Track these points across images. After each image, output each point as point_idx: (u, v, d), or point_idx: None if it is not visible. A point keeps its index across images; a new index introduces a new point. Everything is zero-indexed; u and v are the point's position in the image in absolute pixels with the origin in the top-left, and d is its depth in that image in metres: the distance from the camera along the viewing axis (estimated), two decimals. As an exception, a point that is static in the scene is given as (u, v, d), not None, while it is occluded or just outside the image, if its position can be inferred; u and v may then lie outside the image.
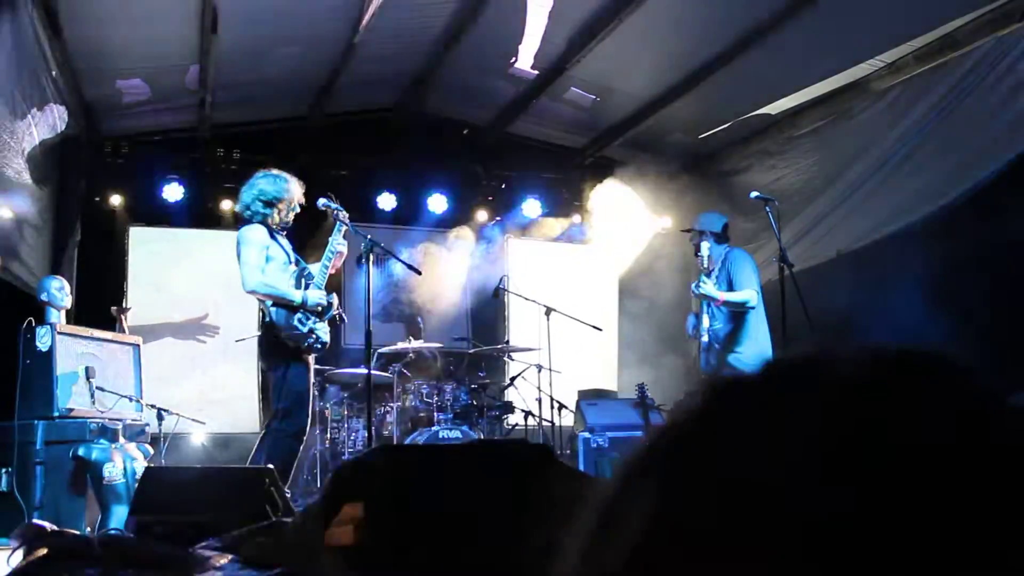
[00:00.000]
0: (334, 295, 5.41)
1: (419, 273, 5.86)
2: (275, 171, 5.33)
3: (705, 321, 6.02)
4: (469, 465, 2.04)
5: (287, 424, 4.99)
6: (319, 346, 5.21)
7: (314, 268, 5.36)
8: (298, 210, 5.33)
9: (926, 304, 6.15)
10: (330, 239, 5.40)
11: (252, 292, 5.00)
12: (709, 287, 5.85)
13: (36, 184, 6.68)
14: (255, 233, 5.11)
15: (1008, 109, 6.04)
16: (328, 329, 5.30)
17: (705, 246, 6.00)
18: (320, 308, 5.20)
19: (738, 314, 5.93)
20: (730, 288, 5.91)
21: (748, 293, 5.89)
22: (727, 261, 6.00)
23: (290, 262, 5.24)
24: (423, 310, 8.90)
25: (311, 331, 5.08)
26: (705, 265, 6.00)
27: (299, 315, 5.06)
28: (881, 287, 6.80)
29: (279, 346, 5.04)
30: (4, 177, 5.98)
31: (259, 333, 5.20)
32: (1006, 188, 5.95)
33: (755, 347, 5.88)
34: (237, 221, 5.41)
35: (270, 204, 5.18)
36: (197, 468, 5.38)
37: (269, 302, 5.06)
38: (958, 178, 6.36)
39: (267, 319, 5.10)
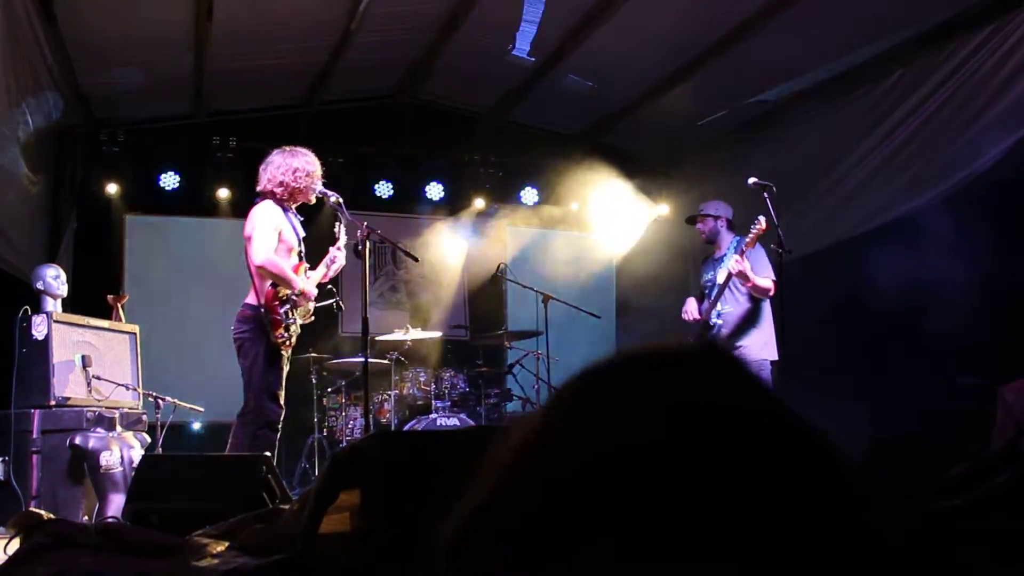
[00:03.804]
0: (331, 287, 5.36)
1: (417, 260, 5.81)
2: (289, 148, 5.21)
3: (717, 305, 5.97)
4: (467, 452, 2.03)
5: (258, 416, 4.89)
6: (291, 342, 5.11)
7: (314, 273, 5.25)
8: (320, 185, 5.20)
9: (925, 290, 6.15)
10: (333, 248, 5.30)
11: (261, 266, 4.87)
12: (746, 267, 5.75)
13: (32, 172, 6.65)
14: (269, 209, 4.99)
15: (1007, 95, 6.02)
16: (299, 331, 5.18)
17: (755, 227, 5.80)
18: (308, 302, 5.11)
19: (754, 299, 5.89)
20: None
21: (769, 281, 5.84)
22: (743, 249, 5.91)
23: (296, 248, 5.13)
24: (421, 298, 8.90)
25: (288, 325, 4.99)
26: (724, 250, 5.83)
27: (287, 306, 4.99)
28: (880, 274, 6.80)
29: (255, 337, 4.93)
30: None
31: (237, 321, 5.01)
32: (1006, 174, 5.94)
33: (763, 335, 5.85)
34: (251, 203, 5.18)
35: (291, 181, 5.06)
36: (194, 456, 5.38)
37: (268, 282, 4.95)
38: (957, 164, 6.34)
39: (255, 304, 4.95)
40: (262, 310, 4.90)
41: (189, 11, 6.43)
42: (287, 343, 5.01)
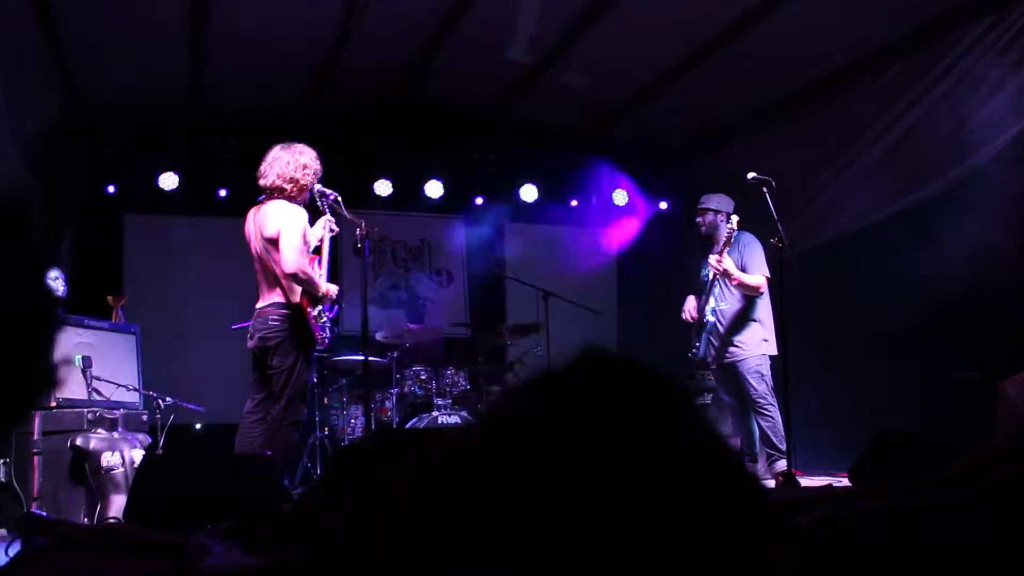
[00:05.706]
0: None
1: (417, 259, 5.81)
2: (290, 143, 5.13)
3: (711, 302, 5.97)
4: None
5: (287, 414, 4.90)
6: (327, 341, 5.14)
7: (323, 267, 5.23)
8: (318, 177, 5.14)
9: (925, 284, 6.14)
10: (326, 219, 5.26)
11: (293, 274, 4.82)
12: (729, 263, 5.75)
13: (31, 174, 6.65)
14: (297, 212, 4.91)
15: (1009, 86, 6.01)
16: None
17: (726, 225, 5.83)
18: (332, 302, 5.14)
19: (748, 296, 5.89)
20: (742, 271, 5.84)
21: (760, 278, 5.84)
22: (739, 244, 5.91)
23: (313, 244, 5.09)
24: (421, 296, 8.90)
25: (324, 326, 5.03)
26: (721, 245, 5.84)
27: (320, 308, 4.99)
28: (880, 269, 6.80)
29: (294, 336, 4.90)
30: (-2, 167, 5.96)
31: (272, 319, 4.96)
32: (1005, 167, 5.93)
33: (761, 331, 5.85)
34: (267, 198, 5.04)
35: (301, 177, 4.99)
36: (196, 456, 5.38)
37: (300, 289, 4.92)
38: (958, 157, 6.33)
39: (291, 304, 4.93)
40: (302, 311, 4.88)
41: (187, 10, 6.42)
42: (324, 341, 5.03)
